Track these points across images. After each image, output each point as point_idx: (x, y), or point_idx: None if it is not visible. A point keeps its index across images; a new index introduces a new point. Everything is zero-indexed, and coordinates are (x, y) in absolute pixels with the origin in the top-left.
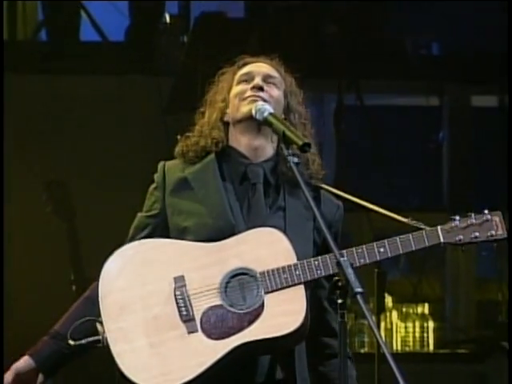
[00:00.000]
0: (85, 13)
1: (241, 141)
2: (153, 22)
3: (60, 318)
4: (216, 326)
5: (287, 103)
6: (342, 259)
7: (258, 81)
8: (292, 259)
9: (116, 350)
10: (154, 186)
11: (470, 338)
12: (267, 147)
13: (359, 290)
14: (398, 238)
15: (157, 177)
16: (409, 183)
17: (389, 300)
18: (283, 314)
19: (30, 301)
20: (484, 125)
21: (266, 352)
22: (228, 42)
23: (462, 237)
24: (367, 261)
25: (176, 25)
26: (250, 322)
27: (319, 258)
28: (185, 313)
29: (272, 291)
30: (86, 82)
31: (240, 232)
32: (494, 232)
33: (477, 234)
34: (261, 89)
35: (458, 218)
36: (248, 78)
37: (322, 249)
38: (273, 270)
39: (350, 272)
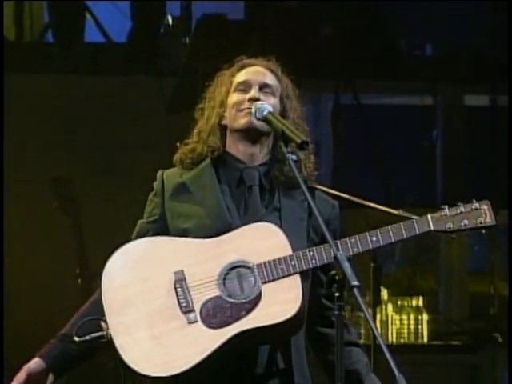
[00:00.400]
0: (89, 14)
1: (237, 147)
2: (155, 24)
3: (68, 319)
4: (215, 316)
5: (283, 107)
6: (339, 253)
7: (254, 93)
8: (287, 251)
9: (119, 342)
10: (153, 193)
11: (463, 330)
12: (262, 152)
13: (356, 283)
14: (389, 227)
15: (156, 184)
16: (404, 180)
17: (384, 293)
18: (280, 302)
19: (37, 294)
20: (476, 123)
21: (264, 340)
22: (228, 42)
23: (451, 224)
24: (360, 250)
25: (178, 26)
26: (248, 311)
27: (314, 248)
28: (185, 304)
29: (269, 281)
30: (90, 82)
31: None
32: (482, 220)
33: (466, 221)
34: (257, 100)
35: (447, 207)
36: (245, 86)
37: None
38: (269, 262)
39: (346, 266)
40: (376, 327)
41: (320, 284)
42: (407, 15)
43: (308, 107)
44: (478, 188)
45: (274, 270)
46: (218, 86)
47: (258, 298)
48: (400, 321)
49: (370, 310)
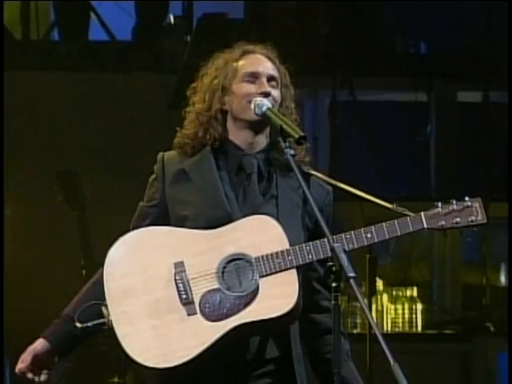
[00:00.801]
0: (94, 14)
1: (239, 134)
2: (158, 23)
3: (70, 302)
4: (214, 308)
5: (282, 96)
6: (335, 245)
7: (266, 87)
8: (285, 245)
9: (120, 332)
10: (153, 176)
11: (456, 320)
12: (261, 140)
13: (352, 274)
14: (384, 224)
15: (156, 168)
16: (398, 174)
17: (380, 284)
18: (277, 296)
19: (43, 284)
20: (469, 119)
21: (261, 332)
22: (229, 41)
23: (444, 222)
24: (355, 246)
25: (180, 25)
26: (246, 304)
27: (311, 243)
28: (184, 296)
29: (266, 275)
30: (94, 79)
31: (236, 220)
32: (474, 218)
33: (458, 219)
34: (269, 95)
35: (440, 204)
36: (253, 78)
37: (313, 232)
38: (267, 255)
39: (343, 257)
40: (372, 317)
41: (313, 269)
42: (402, 14)
43: (306, 103)
44: (470, 182)
45: (271, 264)
46: (217, 70)
47: (256, 291)
48: (395, 310)
49: (365, 300)
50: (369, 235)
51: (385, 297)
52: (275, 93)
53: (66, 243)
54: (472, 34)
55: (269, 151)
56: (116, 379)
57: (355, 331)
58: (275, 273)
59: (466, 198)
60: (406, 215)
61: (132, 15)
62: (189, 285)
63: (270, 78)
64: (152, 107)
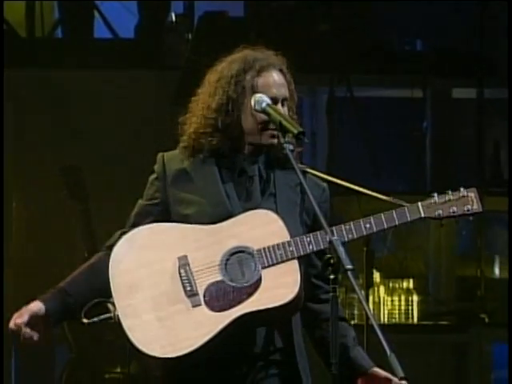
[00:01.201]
0: (97, 12)
1: (245, 145)
2: (160, 21)
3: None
4: (218, 299)
5: (287, 107)
6: (333, 238)
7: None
8: (286, 237)
9: (127, 324)
10: (154, 176)
11: (451, 311)
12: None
13: (349, 266)
14: (382, 214)
15: (157, 167)
16: (394, 169)
17: (376, 276)
18: (279, 286)
19: (46, 276)
20: (464, 115)
21: (264, 322)
22: (229, 38)
23: (440, 211)
24: (355, 236)
25: (181, 23)
26: (249, 295)
27: (311, 234)
28: (189, 288)
29: (268, 266)
30: (97, 76)
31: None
32: (470, 207)
33: (454, 208)
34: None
35: (436, 194)
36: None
37: (312, 228)
38: (268, 247)
39: (341, 250)
40: (369, 308)
41: (312, 265)
42: (398, 12)
43: (304, 100)
44: (464, 176)
45: (273, 256)
46: (230, 79)
47: (259, 282)
48: (391, 302)
49: (363, 292)
50: (367, 225)
51: (381, 289)
52: (284, 110)
53: (70, 236)
54: (466, 32)
55: (268, 154)
56: (119, 369)
57: (352, 322)
58: (277, 264)
59: (462, 189)
60: (401, 206)
61: (135, 13)
62: (193, 277)
63: (284, 100)
64: (154, 104)
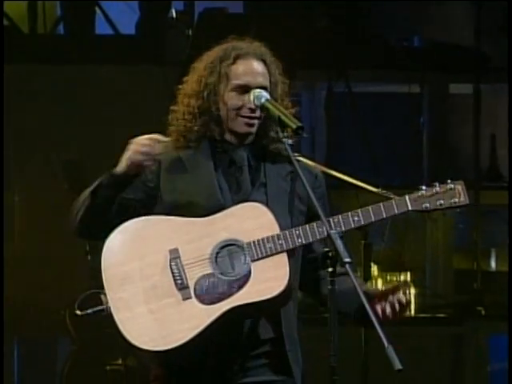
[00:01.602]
0: (99, 9)
1: (227, 135)
2: (161, 17)
3: (78, 291)
4: (208, 292)
5: (278, 95)
6: (332, 231)
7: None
8: (275, 230)
9: (119, 317)
10: None
11: (448, 303)
12: (250, 136)
13: (348, 259)
14: (370, 207)
15: None
16: (392, 163)
17: (374, 269)
18: (268, 279)
19: (49, 268)
20: (460, 110)
21: (254, 314)
22: (229, 34)
23: (428, 204)
24: (343, 229)
25: (182, 19)
26: (239, 288)
27: (300, 227)
28: (180, 281)
29: (258, 259)
30: (99, 71)
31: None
32: (457, 199)
33: (441, 201)
34: (254, 111)
35: (424, 187)
36: (244, 89)
37: (307, 216)
38: (258, 240)
39: (339, 243)
40: (367, 301)
41: (309, 250)
42: (396, 9)
43: (303, 95)
44: (460, 170)
45: (262, 249)
46: (209, 69)
47: (248, 275)
48: None
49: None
50: (356, 218)
51: (379, 281)
52: None
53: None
54: (463, 28)
55: (257, 141)
56: (120, 361)
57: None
58: (266, 257)
59: (449, 181)
60: (389, 199)
61: (136, 10)
62: (183, 270)
63: (260, 88)
64: (155, 99)
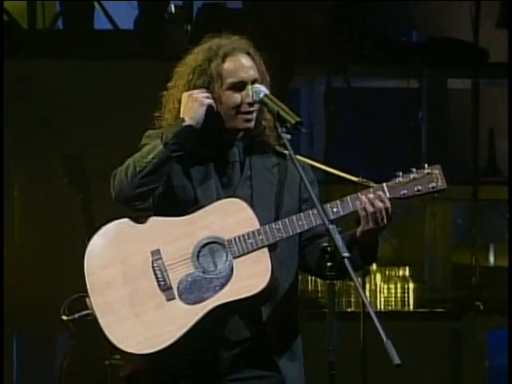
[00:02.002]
0: (98, 3)
1: (224, 132)
2: (159, 12)
3: (76, 288)
4: (191, 291)
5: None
6: (331, 226)
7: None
8: (255, 225)
9: (103, 321)
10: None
11: (447, 298)
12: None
13: (346, 254)
14: (348, 197)
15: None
16: (391, 158)
17: (373, 264)
18: (251, 276)
19: (49, 262)
20: (458, 105)
21: (238, 311)
22: (227, 30)
23: (405, 191)
24: (322, 221)
25: (181, 14)
26: (222, 286)
27: (279, 222)
28: (163, 282)
29: (239, 256)
30: (98, 67)
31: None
32: (434, 184)
33: (419, 187)
34: (252, 105)
35: (401, 174)
36: (239, 85)
37: (300, 210)
38: (239, 237)
39: (337, 238)
40: (365, 296)
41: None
42: (394, 3)
43: (302, 90)
44: (459, 165)
45: (243, 245)
46: (199, 67)
47: (231, 272)
48: (388, 289)
49: (359, 280)
50: (335, 209)
51: (378, 276)
52: None
53: (71, 223)
54: (461, 23)
55: (246, 134)
56: (119, 356)
57: (349, 309)
58: (248, 253)
59: (426, 165)
60: (369, 187)
61: (135, 5)
62: (166, 271)
63: (253, 81)
64: (154, 95)
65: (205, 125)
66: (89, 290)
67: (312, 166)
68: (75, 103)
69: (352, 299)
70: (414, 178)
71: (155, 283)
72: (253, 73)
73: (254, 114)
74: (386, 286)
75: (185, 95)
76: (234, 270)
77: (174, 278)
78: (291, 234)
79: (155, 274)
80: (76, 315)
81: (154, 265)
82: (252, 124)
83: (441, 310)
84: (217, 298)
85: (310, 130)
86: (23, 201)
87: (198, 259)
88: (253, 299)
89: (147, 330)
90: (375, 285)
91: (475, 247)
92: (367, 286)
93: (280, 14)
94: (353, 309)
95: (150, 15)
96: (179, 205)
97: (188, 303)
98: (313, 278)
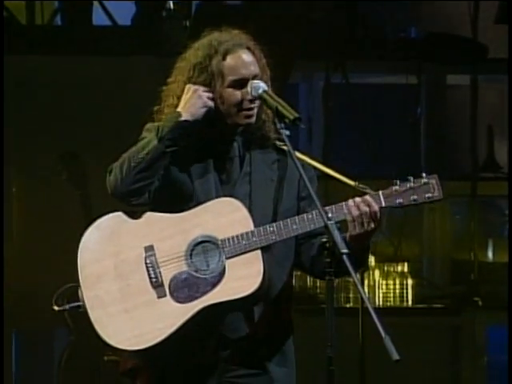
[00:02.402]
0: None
1: (222, 128)
2: (158, 8)
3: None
4: (183, 290)
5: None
6: (329, 222)
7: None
8: (249, 226)
9: (93, 316)
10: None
11: (445, 294)
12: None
13: (345, 250)
14: (343, 204)
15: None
16: (390, 154)
17: (372, 259)
18: (243, 277)
19: (46, 259)
20: (457, 101)
21: (229, 311)
22: (226, 26)
23: (401, 200)
24: (317, 226)
25: (179, 10)
26: (214, 286)
27: (274, 224)
28: (154, 279)
29: (232, 256)
30: (97, 62)
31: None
32: (431, 194)
33: (415, 196)
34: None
35: (398, 182)
36: (241, 83)
37: (300, 206)
38: (232, 237)
39: (336, 234)
40: (364, 291)
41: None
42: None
43: (300, 86)
44: (458, 161)
45: (237, 246)
46: (199, 70)
47: (223, 272)
48: (386, 285)
49: (358, 276)
50: (330, 215)
51: (377, 272)
52: None
53: (70, 219)
54: (460, 19)
55: (246, 129)
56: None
57: (348, 305)
58: (241, 254)
59: (424, 175)
60: (365, 193)
61: (133, 1)
62: (158, 268)
63: (254, 77)
64: (153, 91)
65: (204, 120)
66: (80, 283)
67: (310, 165)
68: (73, 99)
69: (351, 295)
70: (411, 187)
71: (147, 279)
72: (253, 68)
73: (255, 110)
74: (384, 282)
75: (189, 88)
76: (226, 271)
77: (166, 276)
78: (285, 237)
79: (147, 271)
80: (67, 306)
81: (147, 261)
82: (253, 119)
83: (439, 305)
84: (207, 297)
85: (308, 126)
86: (22, 199)
87: (190, 258)
88: (243, 300)
89: (136, 326)
90: (374, 281)
91: (474, 243)
92: (366, 281)
93: (278, 9)
94: (351, 305)
95: (149, 11)
96: (178, 200)
97: (179, 301)
98: None
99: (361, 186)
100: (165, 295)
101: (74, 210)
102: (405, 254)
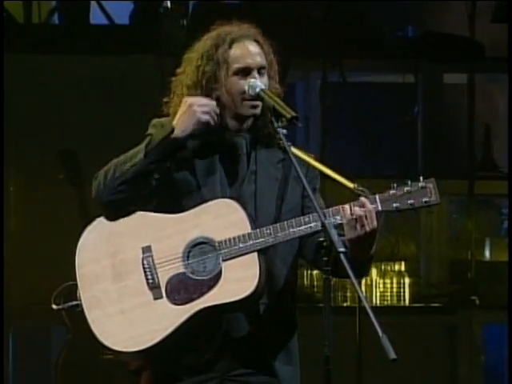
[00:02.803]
0: None
1: (229, 120)
2: (155, 7)
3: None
4: (179, 292)
5: (269, 76)
6: (326, 221)
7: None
8: (246, 229)
9: (90, 316)
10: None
11: (442, 293)
12: (248, 121)
13: (342, 249)
14: (340, 207)
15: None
16: (387, 153)
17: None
18: (239, 279)
19: (44, 259)
20: (454, 100)
21: (225, 313)
22: (224, 24)
23: (398, 204)
24: (314, 229)
25: (176, 9)
26: (210, 288)
27: (271, 227)
28: (151, 280)
29: (229, 259)
30: (94, 61)
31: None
32: (427, 199)
33: (412, 201)
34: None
35: (395, 186)
36: (245, 72)
37: (302, 205)
38: (229, 240)
39: (333, 233)
40: (361, 290)
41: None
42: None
43: (297, 85)
44: (455, 160)
45: (234, 248)
46: (206, 55)
47: (219, 275)
48: (383, 284)
49: None
50: (327, 217)
51: (374, 271)
52: (264, 80)
53: (68, 219)
54: (457, 18)
55: (253, 126)
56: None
57: (345, 304)
58: (237, 256)
59: (421, 179)
60: (363, 196)
61: (130, 0)
62: (155, 269)
63: (261, 68)
64: (151, 90)
65: (203, 130)
66: (78, 283)
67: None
68: (72, 98)
69: (348, 294)
70: (408, 191)
71: (144, 281)
72: (260, 59)
73: (260, 102)
74: (381, 281)
75: (185, 102)
76: (223, 273)
77: (163, 277)
78: (282, 240)
79: (144, 272)
80: (65, 305)
81: (144, 262)
82: (258, 110)
83: (437, 304)
84: (204, 300)
85: (305, 125)
86: (20, 198)
87: (187, 259)
88: (240, 303)
89: (133, 328)
90: (371, 280)
91: (471, 242)
92: (363, 280)
93: (276, 8)
94: (348, 303)
95: (146, 10)
96: (183, 198)
97: (175, 303)
98: (308, 272)
99: (359, 188)
100: (161, 297)
101: (72, 209)
102: (402, 252)
